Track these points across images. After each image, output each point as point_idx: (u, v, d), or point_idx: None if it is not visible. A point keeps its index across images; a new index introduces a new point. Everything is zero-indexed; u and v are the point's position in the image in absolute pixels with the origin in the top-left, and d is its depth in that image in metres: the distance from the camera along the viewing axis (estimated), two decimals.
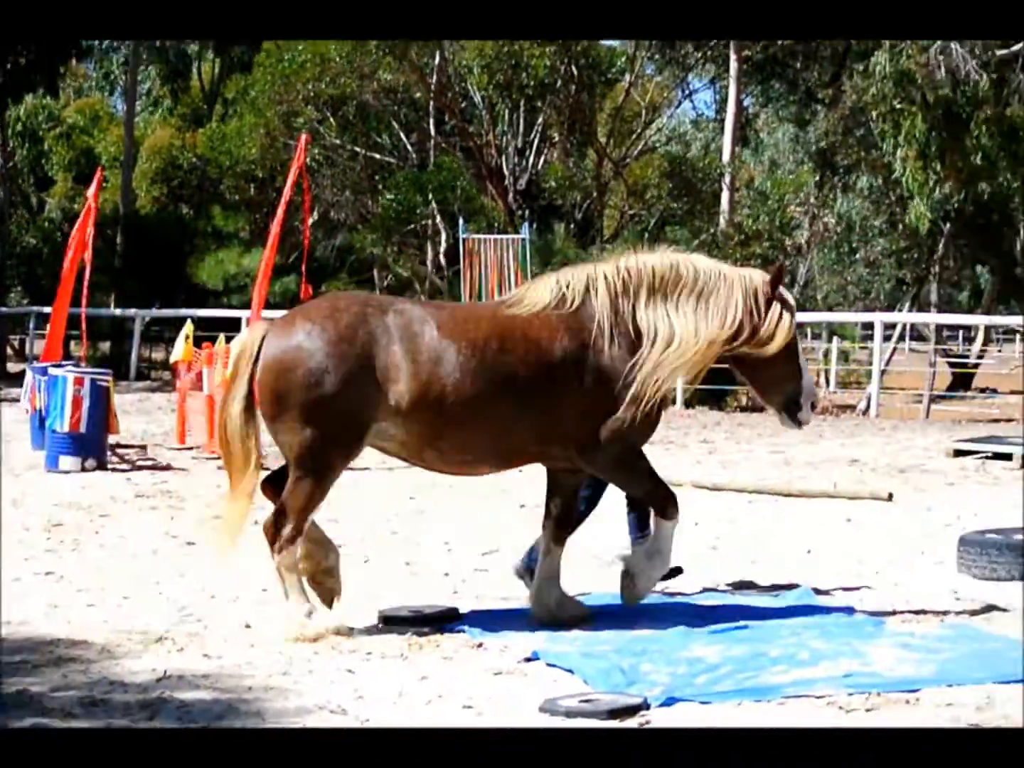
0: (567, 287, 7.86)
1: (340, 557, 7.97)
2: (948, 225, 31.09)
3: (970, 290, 56.85)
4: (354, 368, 7.44)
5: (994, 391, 32.32)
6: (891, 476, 14.66)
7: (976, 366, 35.39)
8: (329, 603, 7.81)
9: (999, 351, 51.14)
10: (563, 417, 7.72)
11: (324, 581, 7.85)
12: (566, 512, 8.13)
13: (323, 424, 7.45)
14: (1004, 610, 8.18)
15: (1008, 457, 15.80)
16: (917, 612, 8.16)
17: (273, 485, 7.83)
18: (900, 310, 34.42)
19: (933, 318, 31.75)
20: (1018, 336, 56.15)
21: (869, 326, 28.31)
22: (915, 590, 8.89)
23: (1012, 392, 28.71)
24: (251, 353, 7.60)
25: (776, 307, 8.02)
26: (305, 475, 7.52)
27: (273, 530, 7.56)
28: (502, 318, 7.78)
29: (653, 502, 8.03)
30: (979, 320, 33.97)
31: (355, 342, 7.48)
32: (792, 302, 8.22)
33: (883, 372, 25.90)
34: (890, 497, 12.68)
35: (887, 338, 29.01)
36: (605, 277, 7.91)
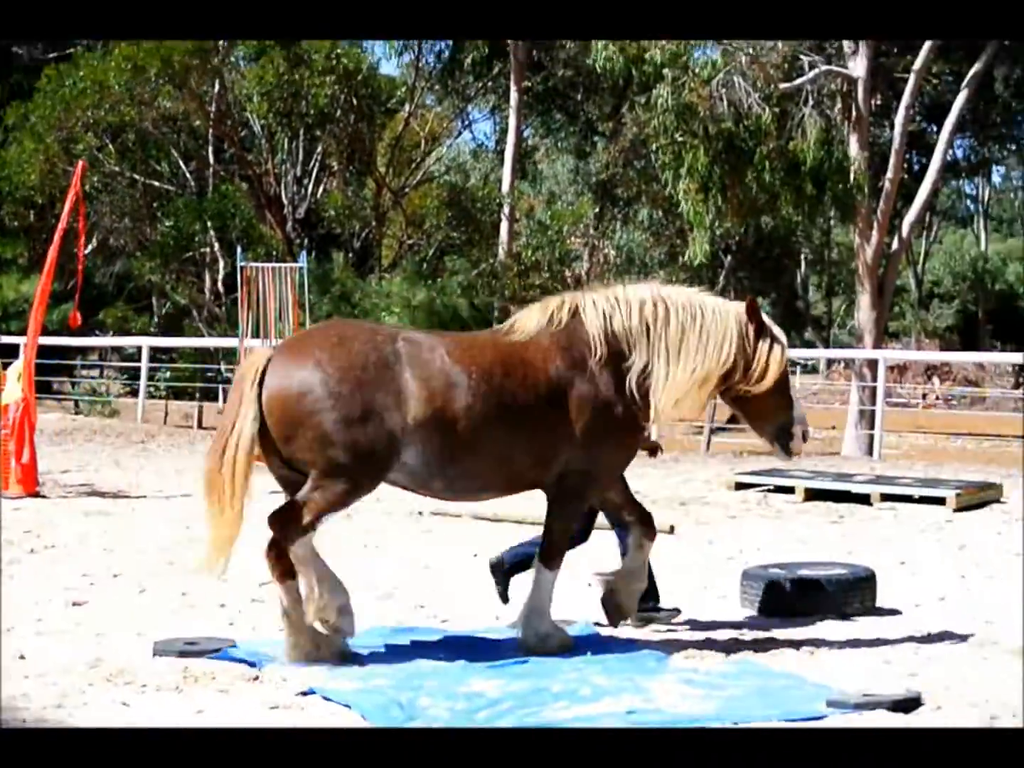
0: (556, 311, 7.94)
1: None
2: (729, 258, 31.63)
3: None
4: (367, 393, 7.40)
5: None
6: (672, 509, 14.63)
7: None
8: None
9: None
10: (557, 441, 7.78)
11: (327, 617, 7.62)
12: (636, 508, 8.30)
13: (350, 442, 7.38)
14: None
15: (790, 490, 15.83)
16: (701, 647, 8.04)
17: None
18: None
19: None
20: (799, 368, 57.82)
21: None
22: (698, 624, 8.81)
23: None
24: (253, 379, 7.48)
25: (766, 340, 8.06)
26: (330, 484, 7.44)
27: (279, 524, 7.45)
28: (502, 344, 7.86)
29: (554, 545, 8.01)
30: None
31: (367, 368, 7.45)
32: (781, 335, 8.21)
33: None
34: (672, 530, 12.59)
35: None
36: (594, 304, 7.96)
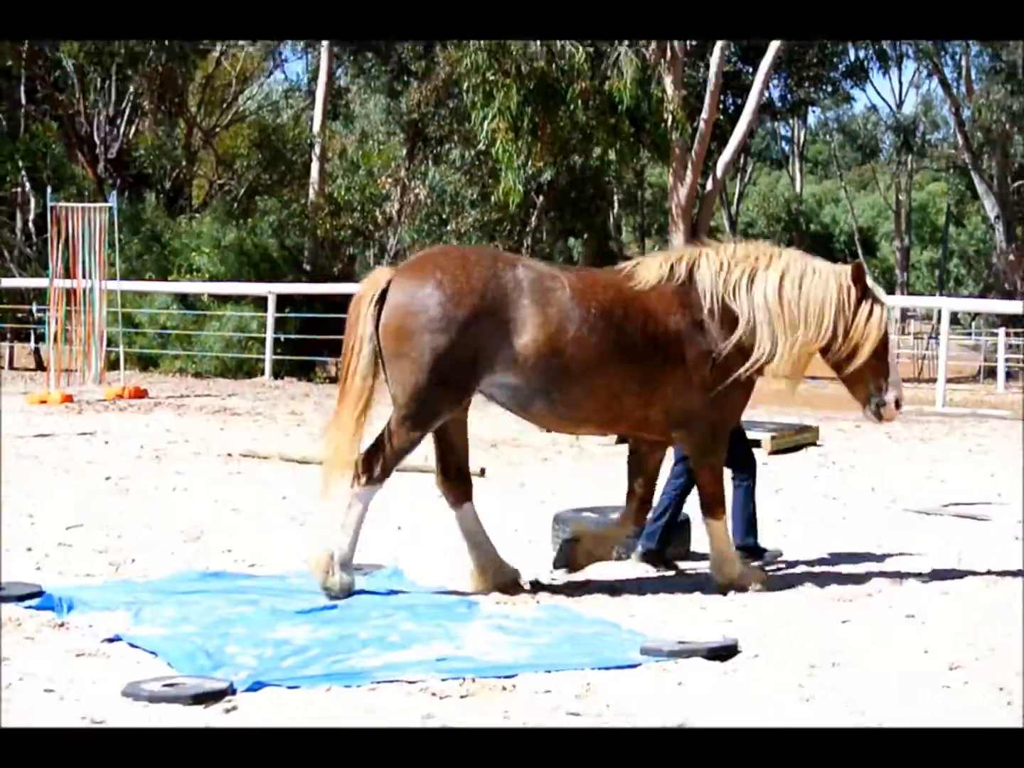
0: (676, 264, 8.07)
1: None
2: (541, 198, 31.35)
3: (562, 262, 58.37)
4: (481, 320, 7.54)
5: None
6: (483, 451, 14.30)
7: None
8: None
9: None
10: (669, 386, 7.93)
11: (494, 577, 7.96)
12: (650, 491, 8.41)
13: (440, 371, 7.52)
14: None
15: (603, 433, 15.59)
16: (512, 592, 7.77)
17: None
18: None
19: None
20: None
21: None
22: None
23: None
24: (373, 296, 7.64)
25: (867, 303, 8.09)
26: (410, 416, 7.61)
27: (365, 461, 7.61)
28: (624, 288, 7.95)
29: (710, 495, 8.18)
30: None
31: (486, 295, 7.58)
32: (884, 297, 8.24)
33: None
34: (482, 472, 12.29)
35: None
36: (709, 261, 8.10)
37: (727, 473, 8.64)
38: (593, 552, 8.32)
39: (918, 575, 8.30)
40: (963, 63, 40.02)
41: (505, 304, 7.60)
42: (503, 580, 7.92)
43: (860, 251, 62.70)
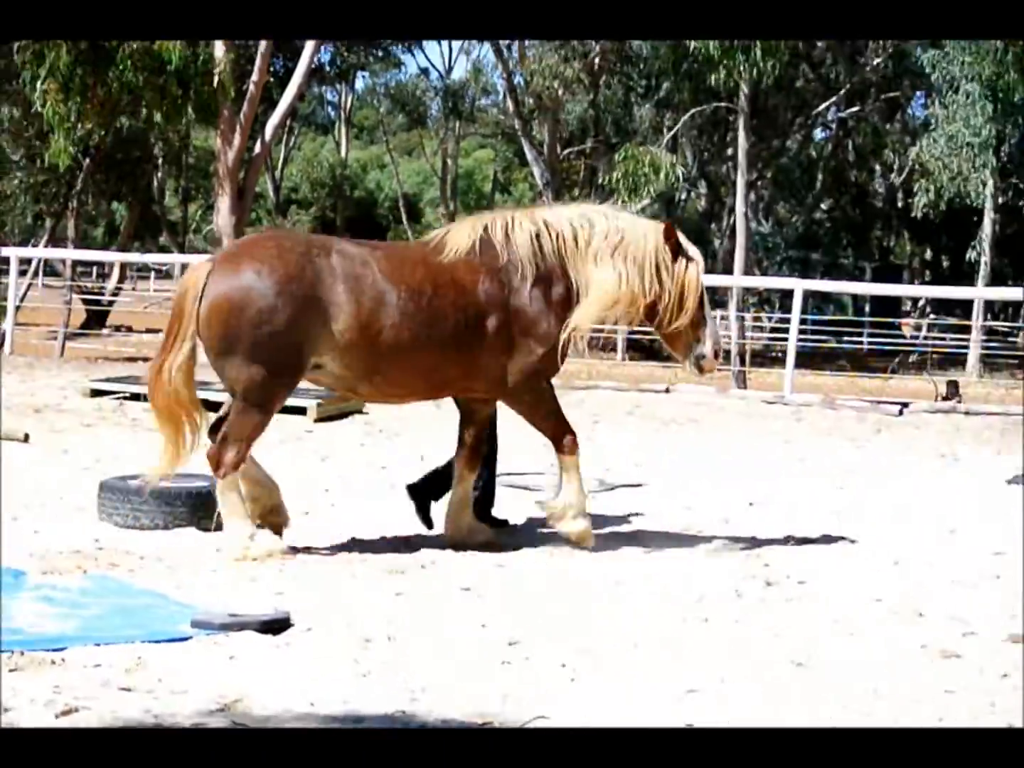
0: (486, 232, 8.36)
1: (281, 492, 8.45)
2: (88, 160, 30.48)
3: (106, 226, 56.63)
4: (301, 307, 7.83)
5: (129, 329, 32.05)
6: (26, 416, 13.87)
7: (111, 303, 34.98)
8: (279, 536, 8.25)
9: (134, 288, 51.39)
10: (487, 355, 8.29)
11: (272, 518, 8.33)
12: (478, 440, 8.77)
13: (270, 360, 7.84)
14: None
15: (146, 398, 15.18)
16: (58, 561, 7.59)
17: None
18: (36, 245, 33.51)
19: (69, 254, 30.90)
20: (153, 274, 56.79)
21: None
22: (55, 538, 8.26)
23: (147, 330, 28.58)
24: (196, 293, 7.86)
25: (682, 260, 8.49)
26: (250, 406, 7.93)
27: (217, 456, 7.94)
28: (433, 263, 8.25)
29: (557, 440, 8.51)
30: (115, 257, 33.54)
31: (303, 282, 7.86)
32: (697, 254, 8.61)
33: (18, 308, 24.71)
34: (26, 438, 11.97)
35: (23, 273, 27.89)
36: (522, 225, 8.40)
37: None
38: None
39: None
40: None
41: (321, 291, 7.90)
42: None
43: (404, 217, 63.26)
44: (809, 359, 27.04)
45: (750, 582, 7.71)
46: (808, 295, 43.90)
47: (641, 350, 30.05)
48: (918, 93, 42.33)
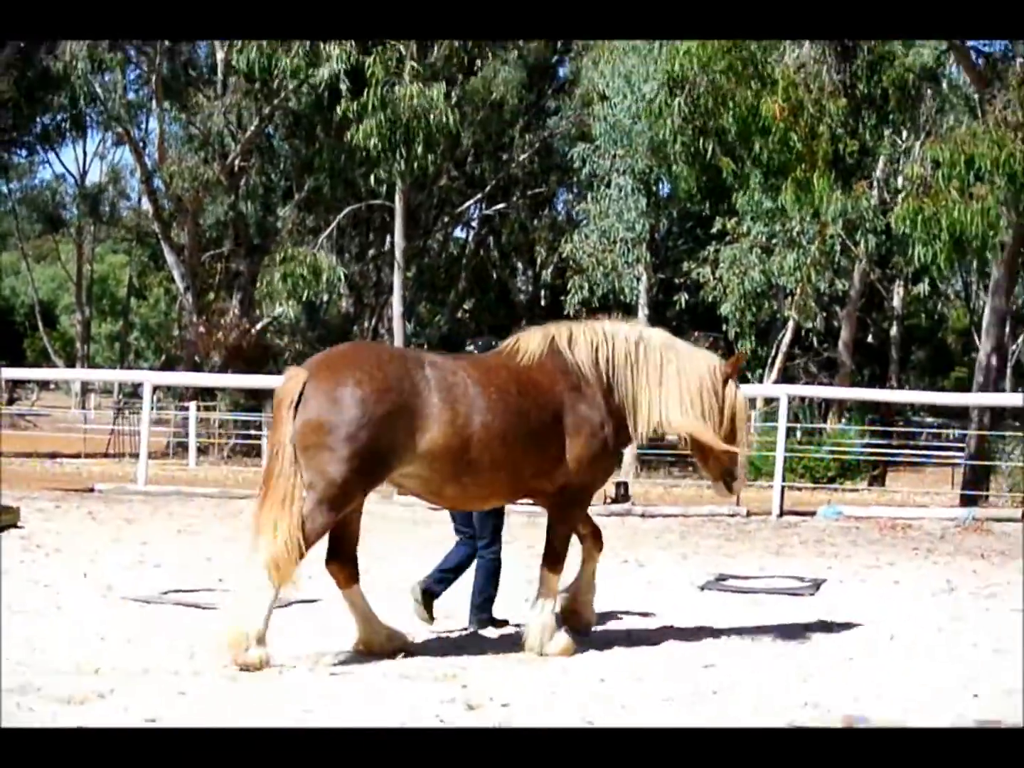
0: (556, 339, 8.86)
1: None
2: None
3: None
4: (396, 417, 8.16)
5: None
6: None
7: None
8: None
9: None
10: (560, 454, 8.67)
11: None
12: (594, 525, 9.35)
13: (358, 462, 8.10)
14: None
15: None
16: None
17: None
18: None
19: None
20: None
21: None
22: None
23: None
24: (292, 400, 8.17)
25: (732, 387, 9.10)
26: (326, 501, 8.15)
27: (275, 557, 8.03)
28: (512, 366, 8.73)
29: (557, 551, 8.87)
30: None
31: (402, 393, 8.21)
32: (741, 388, 9.29)
33: None
34: None
35: None
36: (584, 335, 8.92)
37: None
38: (585, 604, 9.31)
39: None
40: (156, 129, 39.44)
41: (418, 402, 8.24)
42: (392, 646, 8.58)
43: (40, 324, 61.19)
44: None
45: (449, 707, 7.11)
46: None
47: None
48: (561, 188, 43.21)
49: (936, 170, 16.97)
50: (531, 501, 9.31)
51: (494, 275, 47.66)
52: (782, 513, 17.92)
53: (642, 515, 17.82)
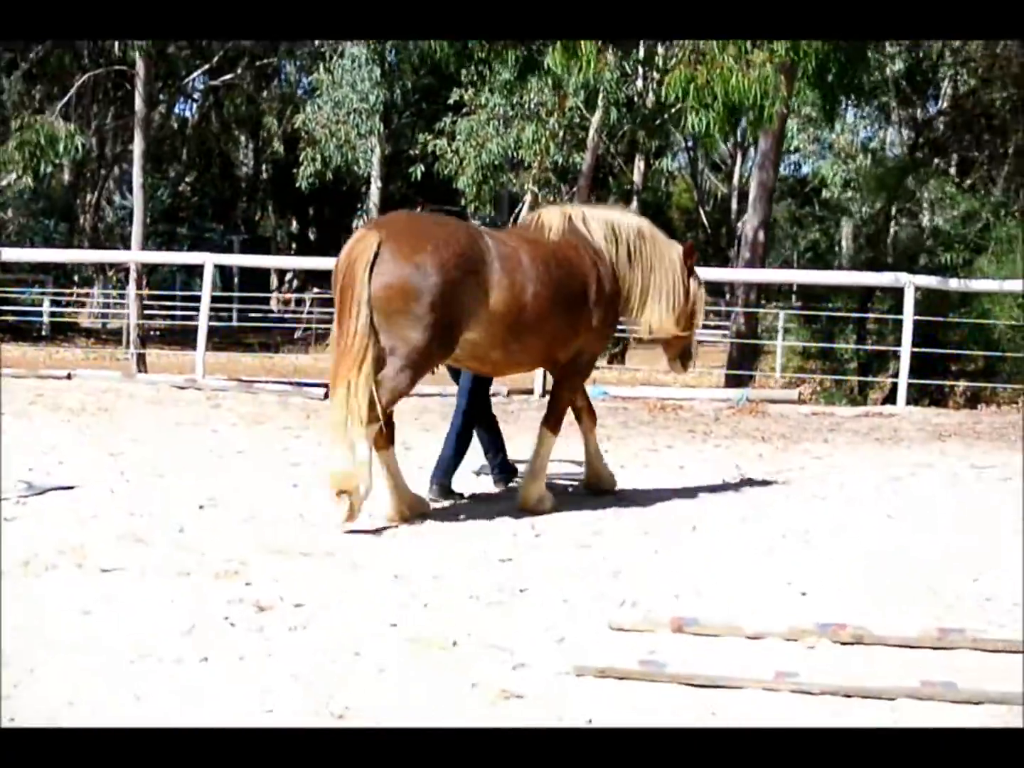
0: (573, 218, 9.45)
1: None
2: None
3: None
4: (467, 283, 8.47)
5: None
6: None
7: None
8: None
9: None
10: (582, 324, 9.24)
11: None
12: (588, 403, 10.21)
13: (438, 327, 8.41)
14: None
15: None
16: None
17: None
18: None
19: None
20: None
21: None
22: None
23: None
24: (367, 261, 8.30)
25: (695, 280, 10.00)
26: (407, 367, 8.43)
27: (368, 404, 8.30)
28: (544, 241, 9.16)
29: (559, 413, 9.59)
30: None
31: (473, 259, 8.53)
32: (699, 275, 10.15)
33: None
34: None
35: None
36: (593, 216, 9.57)
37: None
38: (602, 469, 10.25)
39: None
40: None
41: (484, 269, 8.61)
42: (415, 512, 8.90)
43: None
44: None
45: (238, 607, 6.49)
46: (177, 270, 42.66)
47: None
48: (284, 62, 41.81)
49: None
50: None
51: (217, 148, 46.22)
52: (544, 393, 17.21)
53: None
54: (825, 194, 36.05)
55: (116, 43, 24.70)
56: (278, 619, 6.30)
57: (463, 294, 8.45)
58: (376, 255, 8.31)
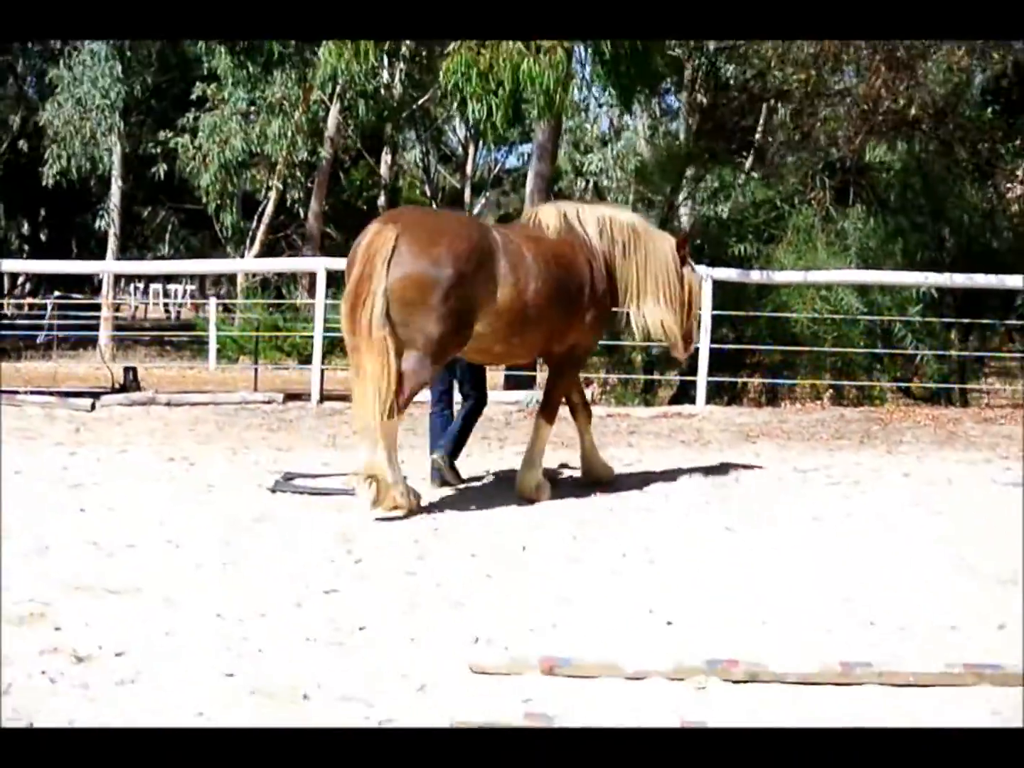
0: (568, 215, 9.93)
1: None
2: None
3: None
4: (479, 276, 8.89)
5: None
6: None
7: None
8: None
9: None
10: (577, 319, 9.74)
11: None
12: (583, 395, 10.83)
13: (455, 319, 8.79)
14: None
15: None
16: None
17: None
18: None
19: None
20: None
21: None
22: None
23: None
24: (386, 254, 8.61)
25: (688, 269, 10.32)
26: (425, 359, 8.79)
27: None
28: (544, 238, 9.63)
29: (554, 404, 10.08)
30: None
31: (484, 253, 8.96)
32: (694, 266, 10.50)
33: None
34: None
35: None
36: (588, 213, 10.04)
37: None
38: (598, 463, 10.70)
39: None
40: None
41: (493, 263, 8.98)
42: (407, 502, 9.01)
43: None
44: None
45: (53, 658, 5.75)
46: None
47: None
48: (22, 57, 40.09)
49: None
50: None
51: None
52: (322, 399, 16.65)
53: (168, 404, 15.89)
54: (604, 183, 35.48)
55: None
56: (101, 672, 5.64)
57: (477, 286, 8.86)
58: (394, 248, 8.63)
